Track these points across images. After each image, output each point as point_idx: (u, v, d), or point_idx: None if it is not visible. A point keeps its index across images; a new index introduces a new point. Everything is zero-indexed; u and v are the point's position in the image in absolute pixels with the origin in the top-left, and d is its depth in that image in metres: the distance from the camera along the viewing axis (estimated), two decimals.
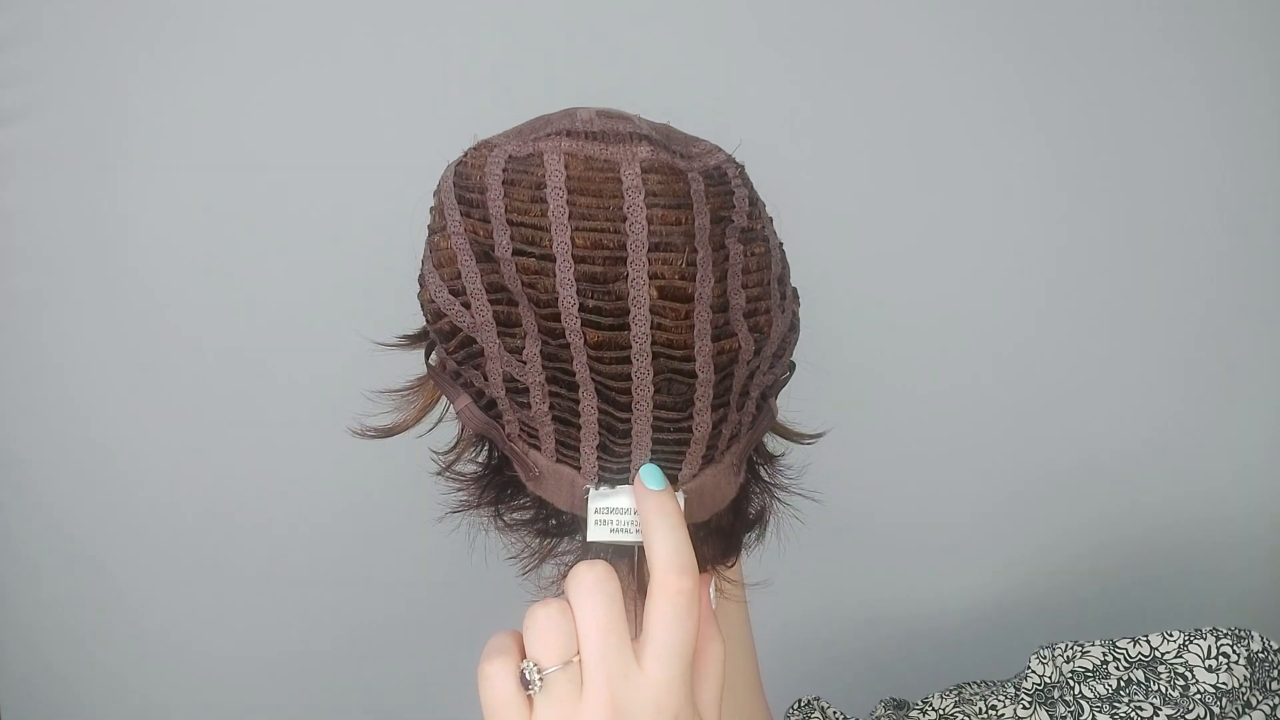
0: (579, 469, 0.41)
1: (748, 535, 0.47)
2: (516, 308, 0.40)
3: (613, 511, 0.41)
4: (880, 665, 0.92)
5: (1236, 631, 0.56)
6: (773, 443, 0.49)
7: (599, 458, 0.41)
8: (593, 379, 0.39)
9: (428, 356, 0.47)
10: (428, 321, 0.43)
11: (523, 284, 0.39)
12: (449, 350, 0.42)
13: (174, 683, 0.90)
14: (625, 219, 0.38)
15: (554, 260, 0.38)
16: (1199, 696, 0.53)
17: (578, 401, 0.40)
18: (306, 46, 0.76)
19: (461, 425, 0.45)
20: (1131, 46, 0.79)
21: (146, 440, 0.83)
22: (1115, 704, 0.54)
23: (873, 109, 0.79)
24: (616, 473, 0.41)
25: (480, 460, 0.46)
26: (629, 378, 0.39)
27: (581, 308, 0.38)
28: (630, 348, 0.39)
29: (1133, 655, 0.58)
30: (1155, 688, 0.55)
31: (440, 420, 0.48)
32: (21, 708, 0.91)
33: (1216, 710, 0.52)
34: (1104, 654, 0.58)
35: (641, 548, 0.40)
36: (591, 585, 0.37)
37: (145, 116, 0.77)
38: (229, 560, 0.87)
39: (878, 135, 0.80)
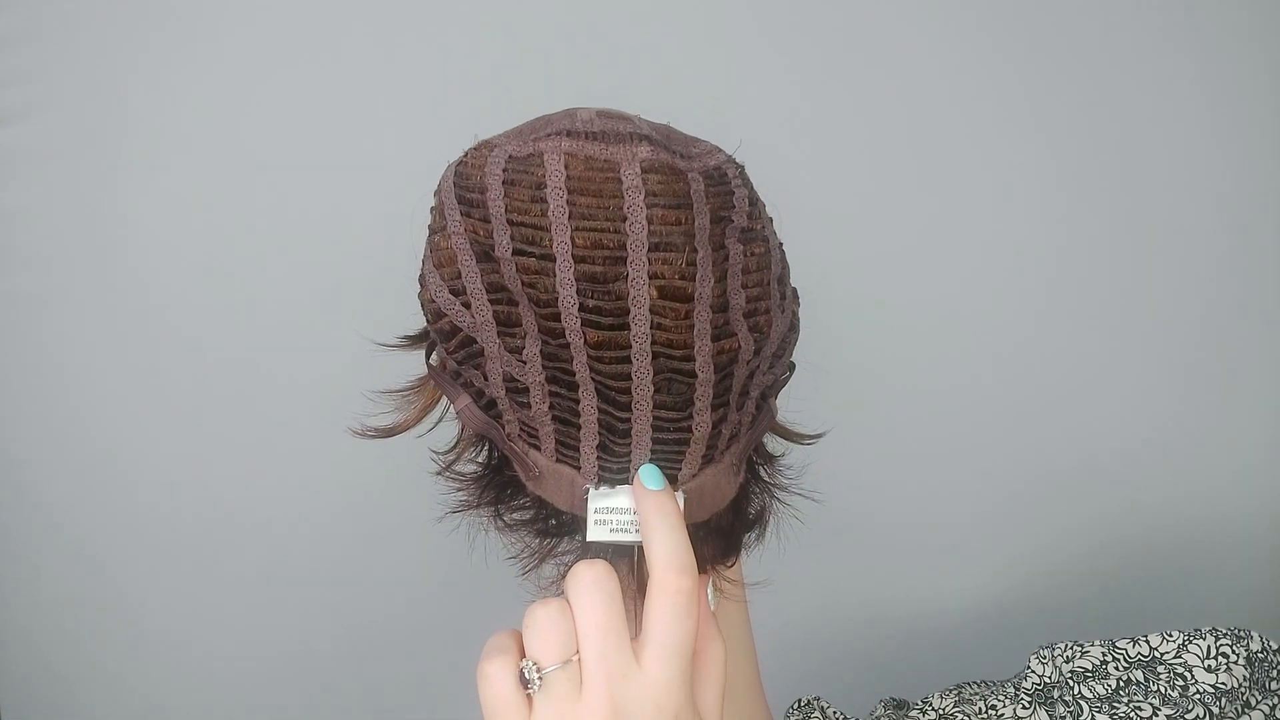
0: (579, 469, 0.41)
1: (747, 535, 0.47)
2: (516, 307, 0.40)
3: (612, 511, 0.41)
4: (880, 665, 0.92)
5: (1236, 632, 0.56)
6: (772, 443, 0.49)
7: (599, 457, 0.41)
8: (592, 379, 0.39)
9: (428, 357, 0.47)
10: (428, 321, 0.43)
11: (523, 284, 0.39)
12: (449, 350, 0.42)
13: (174, 683, 0.90)
14: (625, 219, 0.38)
15: (554, 260, 0.38)
16: (1198, 696, 0.53)
17: (577, 401, 0.40)
18: (306, 46, 0.76)
19: (461, 425, 0.45)
20: (1131, 46, 0.79)
21: (146, 440, 0.83)
22: (1114, 704, 0.54)
23: (873, 109, 0.79)
24: (616, 473, 0.41)
25: (480, 460, 0.46)
26: (629, 377, 0.39)
27: (581, 307, 0.38)
28: (630, 347, 0.39)
29: (1132, 655, 0.58)
30: (1154, 688, 0.55)
31: (440, 420, 0.48)
32: (21, 708, 0.91)
33: (1216, 710, 0.52)
34: (1103, 654, 0.58)
35: (641, 548, 0.40)
36: (591, 584, 0.37)
37: (145, 116, 0.77)
38: (229, 560, 0.87)
39: (878, 135, 0.80)
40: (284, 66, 0.76)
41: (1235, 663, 0.55)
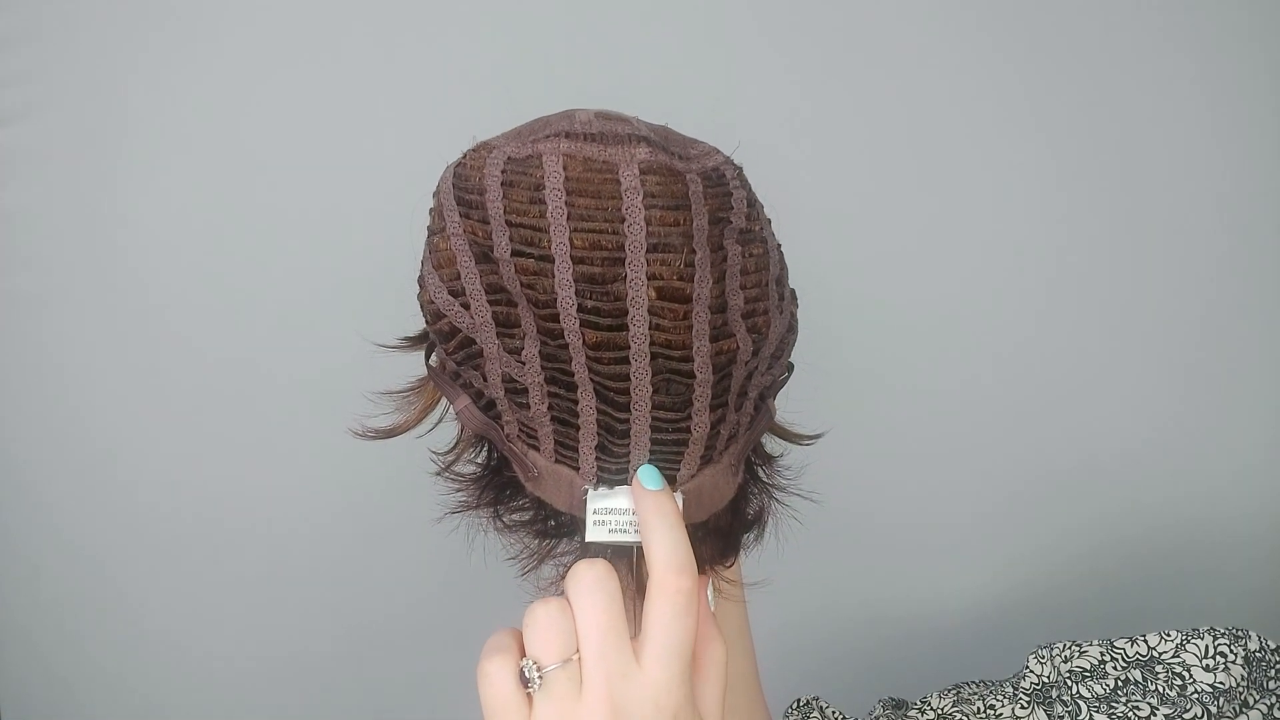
0: (578, 469, 0.41)
1: (746, 535, 0.47)
2: (515, 308, 0.40)
3: (611, 512, 0.41)
4: (879, 665, 0.92)
5: (1234, 631, 0.56)
6: (771, 443, 0.49)
7: (597, 458, 0.41)
8: (591, 379, 0.40)
9: (428, 358, 0.47)
10: (427, 322, 0.43)
11: (521, 285, 0.39)
12: (448, 351, 0.42)
13: (174, 683, 0.90)
14: (624, 220, 0.38)
15: (553, 261, 0.38)
16: (1196, 696, 0.53)
17: (576, 402, 0.40)
18: (306, 46, 0.76)
19: (461, 426, 0.45)
20: (1131, 46, 0.79)
21: (146, 440, 0.83)
22: (1113, 704, 0.54)
23: (873, 109, 0.79)
24: (615, 473, 0.41)
25: (479, 461, 0.46)
26: (627, 378, 0.39)
27: (580, 308, 0.38)
28: (629, 348, 0.39)
29: (1130, 655, 0.58)
30: (1153, 687, 0.55)
31: (440, 421, 0.48)
32: (21, 708, 0.91)
33: (1214, 710, 0.52)
34: (1102, 654, 0.58)
35: (640, 548, 0.40)
36: (591, 584, 0.38)
37: (145, 116, 0.77)
38: (229, 560, 0.87)
39: (878, 135, 0.80)
40: (284, 66, 0.76)
41: (1233, 662, 0.55)
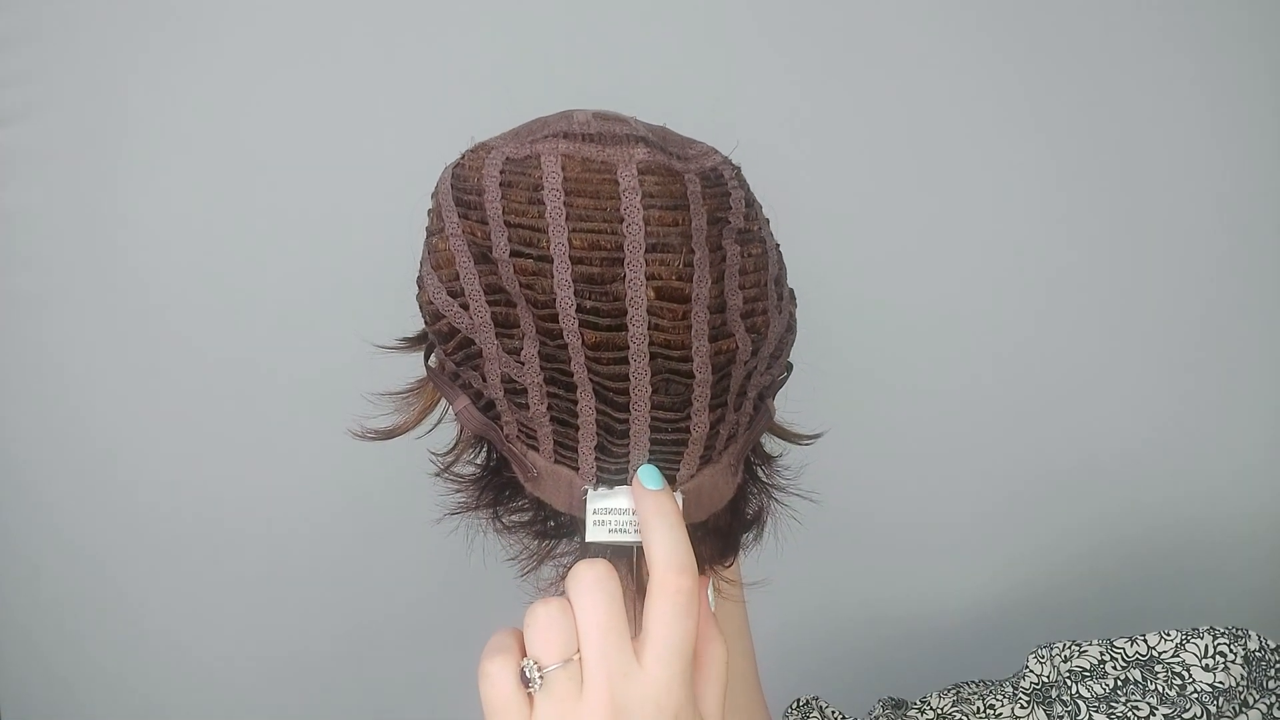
0: (577, 470, 0.41)
1: (745, 535, 0.47)
2: (514, 309, 0.40)
3: (611, 512, 0.41)
4: (878, 665, 0.92)
5: (1234, 631, 0.56)
6: (770, 443, 0.49)
7: (597, 458, 0.41)
8: (590, 380, 0.40)
9: (427, 358, 0.47)
10: (426, 323, 0.43)
11: (520, 285, 0.39)
12: (448, 352, 0.42)
13: (174, 683, 0.90)
14: (622, 220, 0.38)
15: (551, 261, 0.38)
16: (1195, 696, 0.53)
17: (576, 402, 0.40)
18: (306, 47, 0.76)
19: (460, 427, 0.45)
20: (1131, 46, 0.79)
21: (146, 441, 0.83)
22: (1112, 703, 0.54)
23: (873, 109, 0.79)
24: (615, 473, 0.41)
25: (479, 462, 0.46)
26: (627, 378, 0.39)
27: (579, 309, 0.38)
28: (628, 348, 0.39)
29: (1130, 655, 0.58)
30: (1152, 687, 0.55)
31: (440, 422, 0.48)
32: (21, 708, 0.91)
33: (1213, 709, 0.52)
34: (1101, 653, 0.58)
35: (640, 548, 0.40)
36: (592, 583, 0.38)
37: (145, 116, 0.77)
38: (229, 561, 0.87)
39: (878, 135, 0.80)
40: (284, 67, 0.76)
41: (1233, 662, 0.55)
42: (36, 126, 0.77)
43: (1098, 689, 0.56)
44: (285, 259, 0.79)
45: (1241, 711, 0.53)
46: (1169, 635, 0.57)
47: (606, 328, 0.39)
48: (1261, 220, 0.83)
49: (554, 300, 0.38)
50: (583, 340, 0.39)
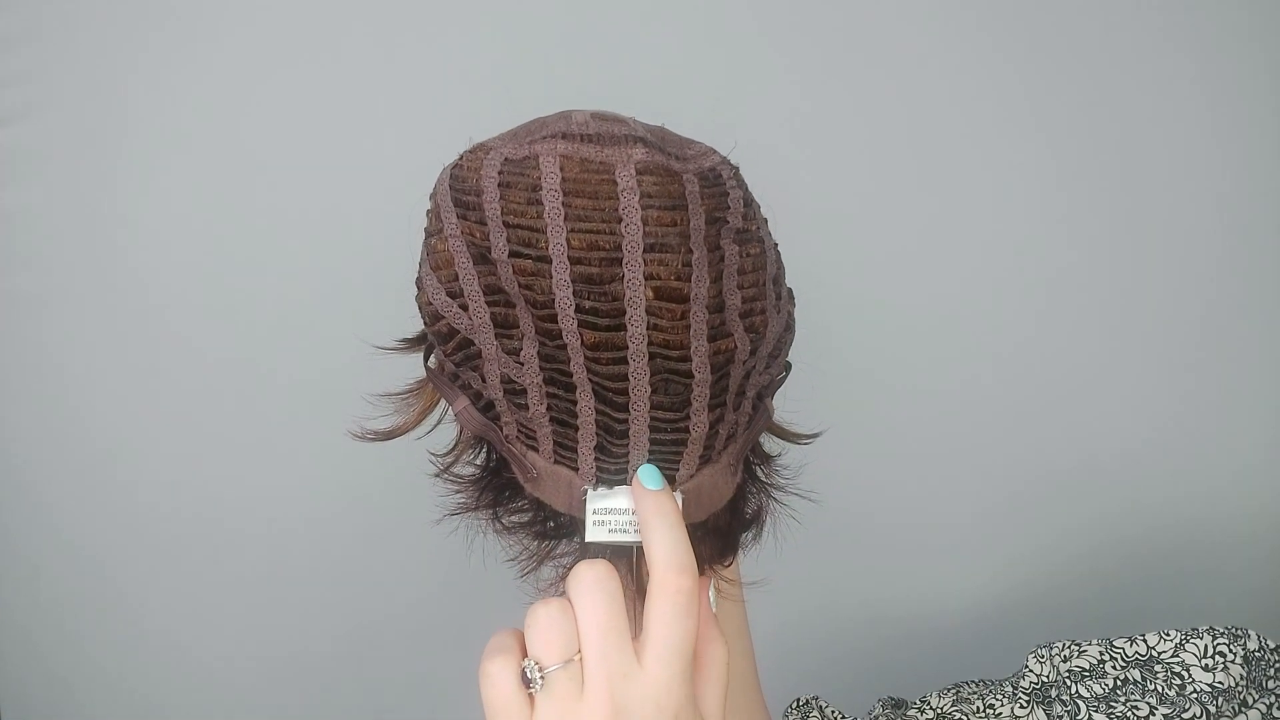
0: (577, 470, 0.41)
1: (745, 535, 0.47)
2: (514, 309, 0.40)
3: (611, 512, 0.41)
4: (878, 665, 0.92)
5: (1233, 630, 0.56)
6: (769, 443, 0.49)
7: (596, 459, 0.41)
8: (590, 380, 0.40)
9: (426, 359, 0.47)
10: (425, 324, 0.43)
11: (519, 285, 0.39)
12: (447, 352, 0.42)
13: (174, 683, 0.90)
14: (621, 220, 0.38)
15: (550, 262, 0.38)
16: (1195, 695, 0.53)
17: (575, 402, 0.40)
18: (306, 47, 0.76)
19: (460, 427, 0.45)
20: (1131, 46, 0.79)
21: (146, 441, 0.83)
22: (1112, 703, 0.54)
23: (873, 109, 0.79)
24: (614, 473, 0.41)
25: (479, 462, 0.46)
26: (626, 378, 0.39)
27: (578, 309, 0.38)
28: (627, 348, 0.39)
29: (1129, 654, 0.58)
30: (1152, 687, 0.55)
31: (439, 423, 0.48)
32: (21, 708, 0.91)
33: (1213, 709, 0.52)
34: (1101, 653, 0.58)
35: (640, 548, 0.40)
36: (592, 584, 0.38)
37: (145, 116, 0.77)
38: (229, 561, 0.87)
39: (878, 135, 0.80)
40: (284, 66, 0.76)
41: (1232, 662, 0.55)
42: (36, 126, 0.77)
43: (1097, 689, 0.56)
44: (285, 259, 0.79)
45: (1241, 711, 0.53)
46: (1169, 635, 0.57)
47: (605, 328, 0.39)
48: (1261, 220, 0.83)
49: (553, 300, 0.38)
50: (582, 340, 0.39)
